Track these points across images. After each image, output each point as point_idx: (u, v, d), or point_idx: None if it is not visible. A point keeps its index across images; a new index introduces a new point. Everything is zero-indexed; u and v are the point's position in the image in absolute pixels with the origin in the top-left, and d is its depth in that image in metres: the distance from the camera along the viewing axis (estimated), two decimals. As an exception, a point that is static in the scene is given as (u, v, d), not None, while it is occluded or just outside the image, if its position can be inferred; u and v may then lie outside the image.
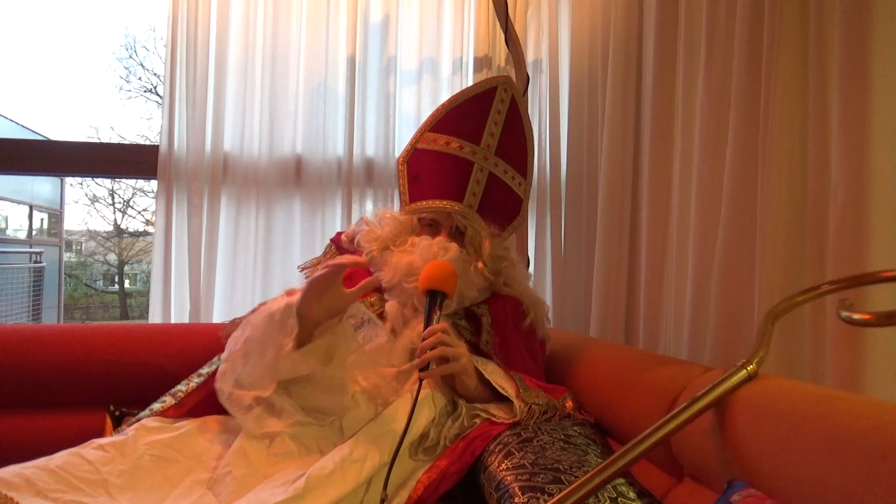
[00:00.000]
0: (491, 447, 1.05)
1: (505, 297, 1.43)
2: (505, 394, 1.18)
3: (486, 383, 1.22)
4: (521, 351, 1.38)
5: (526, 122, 1.53)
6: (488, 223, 1.42)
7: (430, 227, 1.41)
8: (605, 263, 1.76)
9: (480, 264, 1.38)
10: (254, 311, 1.31)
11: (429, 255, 1.29)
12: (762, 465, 0.77)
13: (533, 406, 1.16)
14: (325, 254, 1.57)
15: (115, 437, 1.11)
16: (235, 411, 1.13)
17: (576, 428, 1.13)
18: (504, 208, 1.48)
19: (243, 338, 1.16)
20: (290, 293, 1.50)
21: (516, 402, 1.15)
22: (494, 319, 1.38)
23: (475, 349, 1.33)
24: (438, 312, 1.17)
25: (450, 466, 1.06)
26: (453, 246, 1.34)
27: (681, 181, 1.47)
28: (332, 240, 1.59)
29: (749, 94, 1.23)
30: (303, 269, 1.57)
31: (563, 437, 1.06)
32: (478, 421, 1.15)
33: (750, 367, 0.85)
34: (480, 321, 1.37)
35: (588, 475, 0.77)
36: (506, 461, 0.98)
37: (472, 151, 1.44)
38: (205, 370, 1.31)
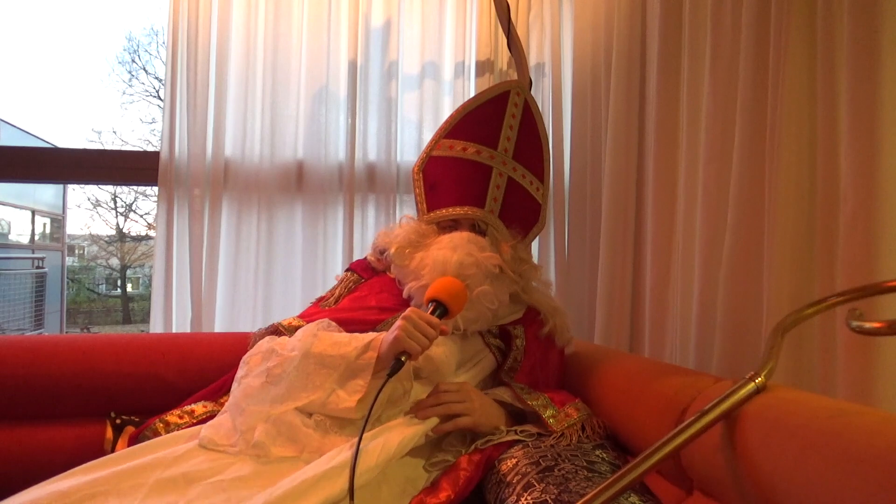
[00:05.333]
0: (508, 479, 0.99)
1: (533, 311, 1.41)
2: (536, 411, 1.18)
3: (503, 405, 1.23)
4: (547, 366, 1.38)
5: (541, 126, 1.50)
6: (509, 229, 1.39)
7: (450, 229, 1.37)
8: (610, 269, 1.74)
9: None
10: (270, 332, 1.32)
11: (463, 253, 1.25)
12: (775, 481, 0.75)
13: (567, 430, 1.14)
14: (341, 281, 1.49)
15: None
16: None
17: (598, 452, 1.07)
18: (524, 214, 1.45)
19: (270, 367, 1.16)
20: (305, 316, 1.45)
21: (551, 424, 1.15)
22: (529, 342, 1.36)
23: (498, 370, 1.34)
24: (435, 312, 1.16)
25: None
26: (484, 242, 1.31)
27: (686, 186, 1.45)
28: (351, 266, 1.52)
29: (756, 98, 1.22)
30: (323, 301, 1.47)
31: (585, 464, 0.99)
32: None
33: (759, 380, 0.83)
34: (513, 344, 1.34)
35: (598, 489, 0.75)
36: (526, 494, 0.91)
37: (489, 156, 1.40)
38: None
